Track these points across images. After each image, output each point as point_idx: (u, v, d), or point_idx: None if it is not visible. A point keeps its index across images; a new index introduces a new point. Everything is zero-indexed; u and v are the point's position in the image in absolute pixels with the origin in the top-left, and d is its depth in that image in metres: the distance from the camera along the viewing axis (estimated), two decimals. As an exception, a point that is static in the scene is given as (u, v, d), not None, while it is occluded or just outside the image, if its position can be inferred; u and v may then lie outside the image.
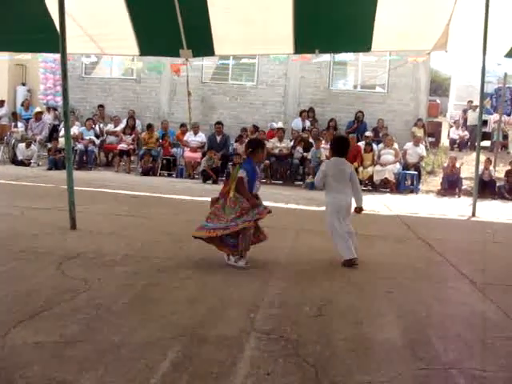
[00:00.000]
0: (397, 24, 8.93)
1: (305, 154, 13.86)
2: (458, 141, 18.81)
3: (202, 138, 14.68)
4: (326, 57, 14.56)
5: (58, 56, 7.48)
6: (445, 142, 19.95)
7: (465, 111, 20.19)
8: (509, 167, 13.48)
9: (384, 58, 14.93)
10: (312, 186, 11.69)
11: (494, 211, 10.41)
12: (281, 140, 14.22)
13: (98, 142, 15.01)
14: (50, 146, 14.64)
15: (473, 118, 18.47)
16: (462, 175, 13.48)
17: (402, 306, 3.99)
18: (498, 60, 15.37)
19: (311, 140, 14.17)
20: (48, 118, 16.56)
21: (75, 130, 14.54)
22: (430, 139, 18.13)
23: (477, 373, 2.85)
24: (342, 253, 5.10)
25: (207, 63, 15.88)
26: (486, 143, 18.10)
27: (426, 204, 11.39)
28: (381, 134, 15.13)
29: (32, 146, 14.63)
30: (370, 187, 13.61)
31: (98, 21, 9.07)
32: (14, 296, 3.74)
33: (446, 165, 13.77)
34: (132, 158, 14.74)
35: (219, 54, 10.88)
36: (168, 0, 8.55)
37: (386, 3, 8.55)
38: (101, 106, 16.87)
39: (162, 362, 2.79)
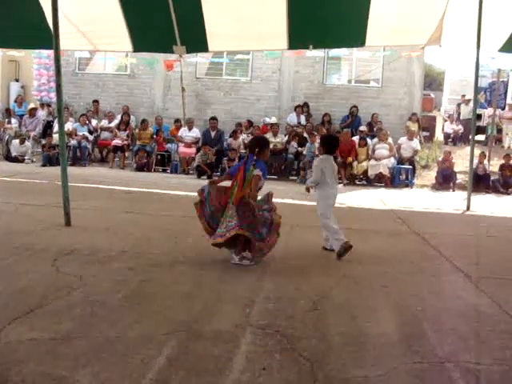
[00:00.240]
0: (391, 19, 8.90)
1: (299, 148, 13.87)
2: (452, 135, 18.83)
3: (196, 133, 14.63)
4: (320, 52, 14.52)
5: (51, 51, 7.42)
6: (439, 136, 19.99)
7: (459, 105, 20.20)
8: (503, 161, 13.52)
9: (378, 52, 14.91)
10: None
11: (489, 205, 10.44)
12: (275, 135, 14.21)
13: (91, 137, 14.95)
14: (44, 142, 14.53)
15: (466, 112, 18.53)
16: (457, 169, 13.51)
17: (397, 300, 4.01)
18: (491, 54, 15.36)
19: (305, 135, 14.17)
20: (42, 114, 16.44)
21: (69, 125, 14.47)
22: (425, 133, 18.15)
23: (471, 366, 2.87)
24: (335, 247, 5.22)
25: (201, 59, 15.80)
26: (481, 137, 18.15)
27: (420, 198, 11.40)
28: (375, 129, 15.10)
29: (26, 142, 14.53)
30: (364, 182, 13.63)
31: (91, 17, 9.01)
32: (8, 293, 3.73)
33: (440, 159, 13.80)
34: (126, 153, 14.66)
35: (213, 50, 10.84)
36: (161, -4, 8.51)
37: (379, -2, 8.54)
38: (96, 102, 16.80)
39: (158, 357, 2.79)
